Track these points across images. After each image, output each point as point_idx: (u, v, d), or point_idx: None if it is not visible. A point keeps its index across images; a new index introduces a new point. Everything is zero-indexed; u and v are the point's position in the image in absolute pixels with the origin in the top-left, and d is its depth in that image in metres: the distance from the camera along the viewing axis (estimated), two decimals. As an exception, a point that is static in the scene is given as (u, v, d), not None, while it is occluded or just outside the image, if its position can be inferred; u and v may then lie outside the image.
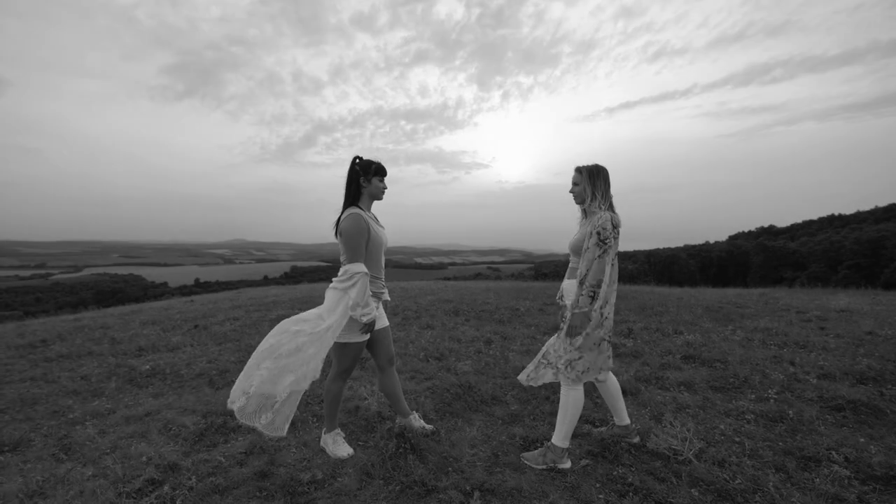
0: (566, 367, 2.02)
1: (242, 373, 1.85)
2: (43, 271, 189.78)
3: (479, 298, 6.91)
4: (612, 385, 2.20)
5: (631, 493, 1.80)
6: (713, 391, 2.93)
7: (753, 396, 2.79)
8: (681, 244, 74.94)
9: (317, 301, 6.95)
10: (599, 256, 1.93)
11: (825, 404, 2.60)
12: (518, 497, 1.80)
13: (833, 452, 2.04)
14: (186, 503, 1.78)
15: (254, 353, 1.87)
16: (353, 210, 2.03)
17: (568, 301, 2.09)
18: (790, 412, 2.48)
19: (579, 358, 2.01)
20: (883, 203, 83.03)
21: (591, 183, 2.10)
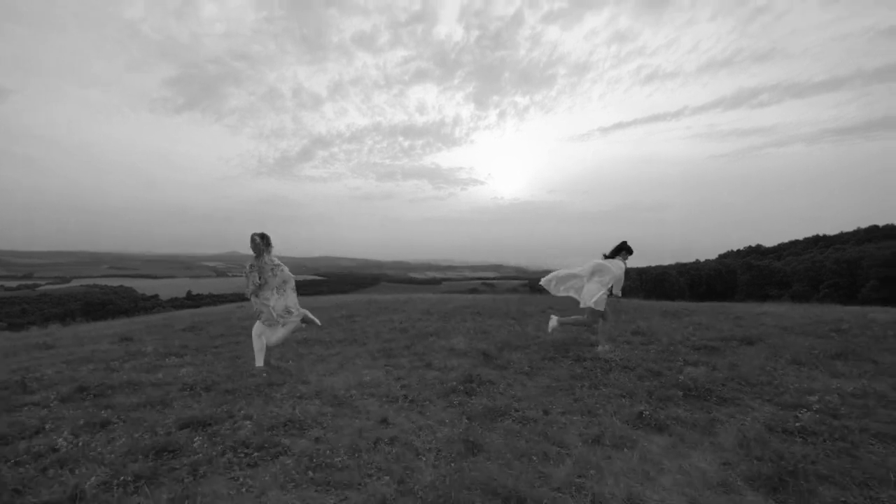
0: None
1: None
2: (30, 282, 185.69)
3: (490, 305, 9.06)
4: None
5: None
6: (639, 343, 5.22)
7: (658, 342, 5.15)
8: (672, 262, 75.48)
9: (323, 307, 7.18)
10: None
11: (692, 346, 4.91)
12: None
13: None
14: None
15: None
16: None
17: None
18: (671, 348, 4.83)
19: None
20: (864, 224, 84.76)
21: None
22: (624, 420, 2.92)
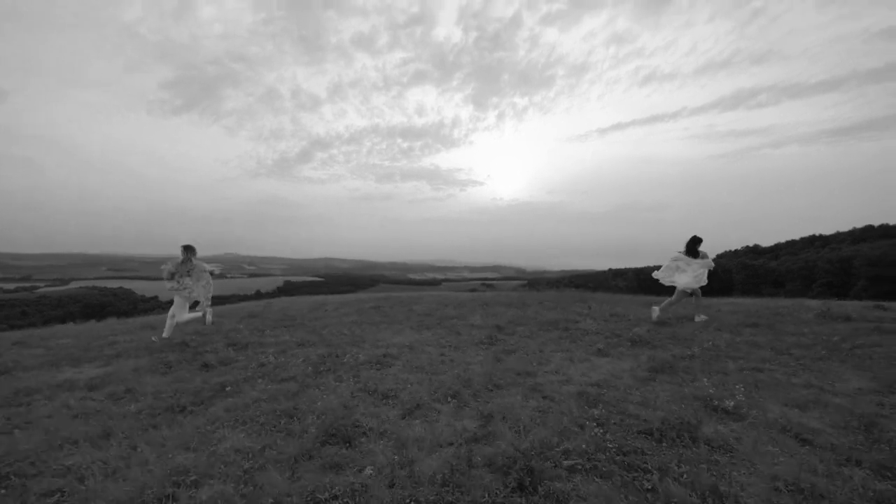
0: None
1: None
2: (28, 284, 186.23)
3: (495, 298, 10.27)
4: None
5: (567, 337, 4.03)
6: (614, 320, 6.59)
7: (628, 320, 5.73)
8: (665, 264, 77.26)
9: (350, 302, 9.01)
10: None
11: (649, 321, 6.66)
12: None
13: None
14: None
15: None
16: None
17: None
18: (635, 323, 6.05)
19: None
20: (860, 224, 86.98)
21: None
22: (586, 352, 4.87)
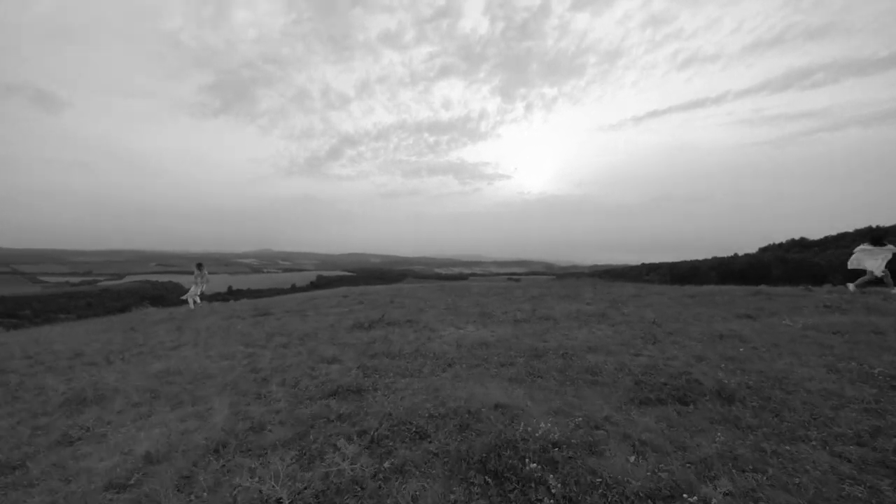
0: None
1: None
2: (90, 278, 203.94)
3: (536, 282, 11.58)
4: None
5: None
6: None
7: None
8: (709, 256, 74.59)
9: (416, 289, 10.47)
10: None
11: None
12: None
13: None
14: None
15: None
16: None
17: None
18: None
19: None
20: (927, 214, 79.23)
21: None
22: (596, 320, 5.88)
